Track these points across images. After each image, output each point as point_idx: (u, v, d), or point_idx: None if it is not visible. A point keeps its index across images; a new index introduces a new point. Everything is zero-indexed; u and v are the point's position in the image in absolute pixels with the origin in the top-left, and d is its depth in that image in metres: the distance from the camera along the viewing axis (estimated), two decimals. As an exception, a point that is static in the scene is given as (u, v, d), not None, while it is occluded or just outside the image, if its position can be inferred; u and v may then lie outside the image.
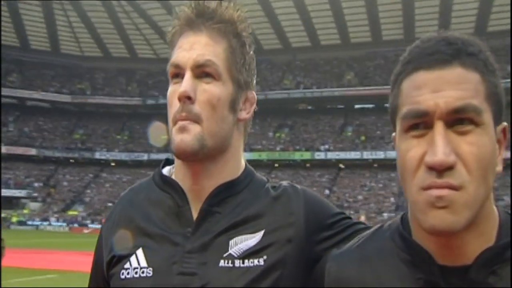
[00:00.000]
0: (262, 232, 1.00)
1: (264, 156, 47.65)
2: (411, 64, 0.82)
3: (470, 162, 0.76)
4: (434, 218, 0.76)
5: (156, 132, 43.16)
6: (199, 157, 0.99)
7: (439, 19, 45.94)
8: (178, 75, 1.00)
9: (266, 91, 50.22)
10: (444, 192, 0.76)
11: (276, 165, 48.55)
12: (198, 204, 1.02)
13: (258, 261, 0.98)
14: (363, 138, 47.48)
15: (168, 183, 1.06)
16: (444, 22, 45.63)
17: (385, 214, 34.78)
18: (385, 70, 49.95)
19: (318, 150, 47.12)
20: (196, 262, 0.96)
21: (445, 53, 0.79)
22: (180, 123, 0.97)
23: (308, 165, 47.82)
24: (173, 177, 1.08)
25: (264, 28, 48.81)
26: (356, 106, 52.04)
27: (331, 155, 46.41)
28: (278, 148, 48.77)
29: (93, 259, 1.14)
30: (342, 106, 52.90)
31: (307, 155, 47.18)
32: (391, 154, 43.89)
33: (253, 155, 46.13)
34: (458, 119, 0.77)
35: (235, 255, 0.97)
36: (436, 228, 0.77)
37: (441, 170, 0.75)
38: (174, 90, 0.99)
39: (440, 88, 0.78)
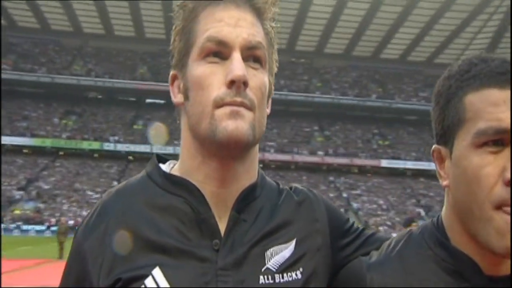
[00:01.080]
0: (294, 241, 0.90)
1: (48, 143, 44.99)
2: (476, 80, 0.85)
3: None
4: (510, 241, 0.78)
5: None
6: (246, 151, 0.88)
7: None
8: (218, 53, 0.85)
9: (53, 74, 47.42)
10: None
11: (61, 153, 46.20)
12: (222, 210, 0.88)
13: (296, 274, 0.89)
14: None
15: (180, 185, 0.89)
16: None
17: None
18: (177, 68, 52.48)
19: (108, 141, 46.67)
20: (233, 280, 0.83)
21: (509, 74, 0.83)
22: (233, 108, 0.83)
23: (96, 155, 46.88)
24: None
25: (53, 7, 45.92)
26: (148, 101, 53.13)
27: (121, 147, 46.56)
28: (64, 136, 46.45)
29: None
30: (134, 99, 53.38)
31: (96, 145, 46.25)
32: (178, 150, 46.65)
33: (35, 141, 43.26)
34: None
35: (274, 269, 0.86)
36: (508, 250, 0.79)
37: None
38: (212, 71, 0.85)
39: None
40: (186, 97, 0.89)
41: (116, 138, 47.15)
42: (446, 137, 0.90)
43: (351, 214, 38.33)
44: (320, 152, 48.92)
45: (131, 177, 0.96)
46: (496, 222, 0.80)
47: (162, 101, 52.29)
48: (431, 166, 49.59)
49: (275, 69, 0.98)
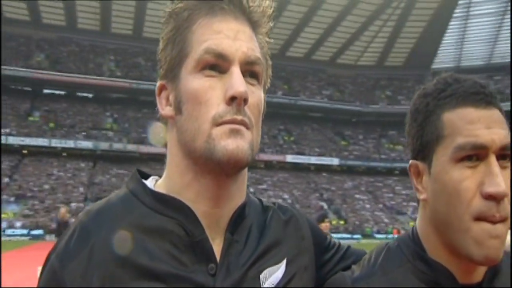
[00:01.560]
0: (285, 261, 0.89)
1: None
2: (453, 99, 0.90)
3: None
4: (489, 249, 0.83)
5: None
6: (242, 170, 0.85)
7: (134, 18, 49.08)
8: (215, 66, 0.81)
9: None
10: (502, 225, 0.84)
11: None
12: (214, 231, 0.84)
13: None
14: (52, 125, 45.89)
15: (172, 205, 0.83)
16: (138, 21, 49.02)
17: (73, 204, 35.15)
18: (79, 57, 49.76)
19: (-2, 133, 42.95)
20: None
21: (486, 94, 0.90)
22: (233, 126, 0.79)
23: (-16, 149, 42.93)
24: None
25: None
26: (46, 91, 49.71)
27: (14, 140, 43.00)
28: None
29: None
30: (29, 89, 49.43)
31: (-17, 138, 42.31)
32: (82, 144, 44.39)
33: None
34: (503, 155, 0.87)
35: None
36: (489, 258, 0.84)
37: (500, 199, 0.83)
38: (211, 85, 0.80)
39: (491, 125, 0.87)
40: (179, 111, 0.83)
41: (8, 130, 43.39)
42: (425, 153, 0.93)
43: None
44: (228, 147, 49.04)
45: (111, 195, 0.89)
46: (475, 232, 0.85)
47: (62, 92, 49.25)
48: (333, 161, 52.30)
49: (268, 85, 0.93)
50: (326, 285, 0.98)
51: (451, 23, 53.66)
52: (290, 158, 50.77)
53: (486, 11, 52.95)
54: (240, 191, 0.88)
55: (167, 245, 0.79)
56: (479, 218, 0.85)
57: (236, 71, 0.81)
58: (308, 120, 57.42)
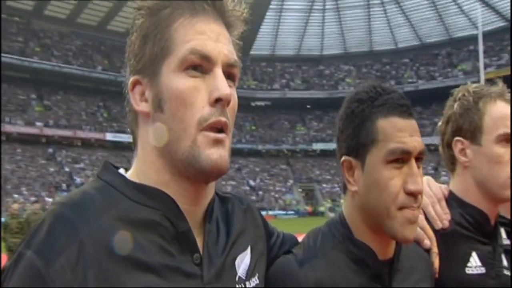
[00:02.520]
0: (249, 248, 0.94)
1: None
2: (384, 109, 1.07)
3: None
4: (409, 231, 1.05)
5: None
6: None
7: None
8: (198, 67, 0.83)
9: None
10: (417, 212, 1.07)
11: None
12: (192, 224, 0.85)
13: (256, 280, 0.93)
14: None
15: (156, 197, 0.83)
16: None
17: None
18: None
19: None
20: None
21: (408, 107, 1.10)
22: (217, 135, 0.82)
23: None
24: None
25: None
26: None
27: None
28: None
29: None
30: None
31: None
32: None
33: None
34: (419, 158, 1.08)
35: (243, 277, 0.90)
36: (407, 238, 1.06)
37: (418, 195, 1.05)
38: (195, 86, 0.82)
39: (413, 134, 1.07)
40: (159, 109, 0.83)
41: None
42: (359, 152, 1.10)
43: (74, 189, 36.50)
44: (38, 123, 44.65)
45: (84, 186, 0.84)
46: (399, 219, 1.05)
47: None
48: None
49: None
50: (273, 269, 1.07)
51: (268, 13, 57.68)
52: (110, 136, 48.57)
53: (296, 6, 58.45)
54: (212, 188, 0.92)
55: (155, 237, 0.79)
56: (402, 208, 1.05)
57: (219, 73, 0.82)
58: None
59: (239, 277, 0.89)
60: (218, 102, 0.81)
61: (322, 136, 59.97)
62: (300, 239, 1.21)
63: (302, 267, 1.06)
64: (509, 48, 54.23)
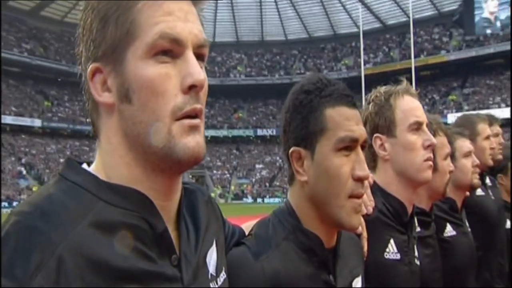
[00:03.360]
0: (214, 242, 0.90)
1: None
2: (332, 99, 1.10)
3: None
4: (355, 220, 1.09)
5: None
6: None
7: None
8: (168, 52, 0.76)
9: None
10: (361, 201, 1.12)
11: None
12: (167, 221, 0.80)
13: (224, 274, 0.91)
14: None
15: (132, 197, 0.76)
16: None
17: None
18: None
19: None
20: None
21: (352, 97, 1.14)
22: (192, 121, 0.76)
23: None
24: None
25: None
26: None
27: None
28: None
29: None
30: None
31: None
32: None
33: None
34: (363, 146, 1.12)
35: (215, 274, 0.87)
36: (354, 226, 1.10)
37: (364, 180, 1.09)
38: (166, 72, 0.75)
39: (358, 123, 1.11)
40: (126, 100, 0.76)
41: None
42: (308, 141, 1.11)
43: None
44: None
45: (47, 190, 0.74)
46: (347, 207, 1.09)
47: None
48: (34, 122, 48.12)
49: None
50: (228, 262, 1.01)
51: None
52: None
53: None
54: (181, 180, 0.86)
55: (135, 241, 0.73)
56: (351, 196, 1.09)
57: (191, 56, 0.76)
58: (4, 75, 50.70)
59: (211, 274, 0.86)
60: (192, 89, 0.75)
61: (213, 123, 60.31)
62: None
63: (258, 259, 1.05)
64: (384, 47, 59.38)
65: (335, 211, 1.09)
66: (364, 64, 53.94)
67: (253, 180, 52.13)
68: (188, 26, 0.77)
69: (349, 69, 58.63)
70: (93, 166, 0.81)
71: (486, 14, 52.03)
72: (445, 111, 46.19)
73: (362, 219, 1.27)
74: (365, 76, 48.65)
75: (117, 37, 0.75)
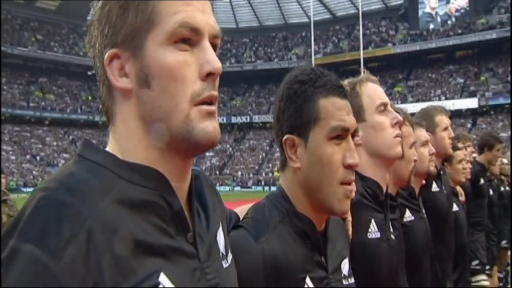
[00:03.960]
0: (221, 224, 0.93)
1: None
2: (325, 89, 1.15)
3: None
4: (346, 205, 1.14)
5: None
6: None
7: None
8: (187, 40, 0.78)
9: None
10: (353, 187, 1.16)
11: None
12: (181, 201, 0.82)
13: (230, 254, 0.93)
14: None
15: (151, 176, 0.78)
16: None
17: None
18: None
19: None
20: (212, 269, 0.83)
21: (343, 88, 1.19)
22: (210, 107, 0.79)
23: None
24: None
25: None
26: None
27: None
28: None
29: None
30: None
31: None
32: None
33: None
34: (353, 135, 1.17)
35: (224, 253, 0.90)
36: (345, 211, 1.16)
37: (354, 168, 1.13)
38: (185, 60, 0.78)
39: (349, 112, 1.16)
40: (146, 85, 0.78)
41: None
42: (302, 130, 1.16)
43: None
44: None
45: (68, 168, 0.76)
46: (339, 194, 1.14)
47: None
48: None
49: None
50: (230, 242, 1.01)
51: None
52: None
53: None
54: (192, 164, 0.88)
55: (155, 218, 0.75)
56: (343, 182, 1.14)
57: (208, 45, 0.80)
58: None
59: (222, 253, 0.89)
60: (209, 76, 0.79)
61: (163, 110, 59.51)
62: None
63: (258, 241, 1.10)
64: (334, 38, 60.54)
65: (327, 198, 1.14)
66: (314, 54, 54.98)
67: (203, 168, 51.99)
68: (205, 17, 0.80)
69: (300, 58, 59.31)
70: (108, 150, 0.82)
71: (428, 9, 54.28)
72: (391, 102, 47.76)
73: None
74: (315, 66, 49.46)
75: (138, 24, 0.77)
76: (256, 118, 56.63)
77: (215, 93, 0.80)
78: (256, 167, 52.59)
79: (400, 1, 57.59)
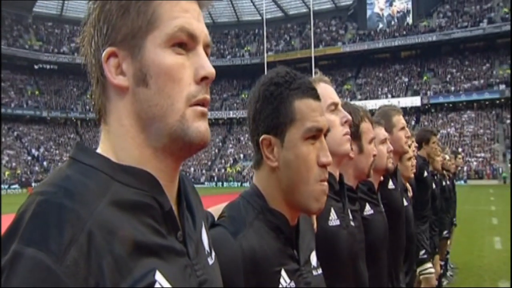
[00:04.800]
0: (203, 222, 0.95)
1: None
2: (300, 91, 1.21)
3: None
4: (322, 204, 1.20)
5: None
6: None
7: None
8: (183, 45, 0.81)
9: None
10: (327, 185, 1.21)
11: None
12: (171, 201, 0.83)
13: (213, 252, 0.95)
14: None
15: (142, 178, 0.79)
16: None
17: None
18: None
19: None
20: (201, 266, 0.84)
21: (316, 90, 1.25)
22: (203, 108, 0.82)
23: None
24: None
25: None
26: None
27: None
28: None
29: None
30: None
31: None
32: None
33: None
34: (325, 134, 1.23)
35: (209, 251, 0.92)
36: (320, 210, 1.21)
37: (327, 166, 1.20)
38: (182, 63, 0.81)
39: (322, 113, 1.23)
40: (143, 83, 0.80)
41: None
42: (278, 130, 1.20)
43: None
44: None
45: (63, 171, 0.77)
46: (316, 192, 1.19)
47: None
48: None
49: None
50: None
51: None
52: None
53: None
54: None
55: (148, 219, 0.77)
56: (319, 181, 1.20)
57: (203, 52, 0.84)
58: None
59: (207, 251, 0.92)
60: (204, 80, 0.83)
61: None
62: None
63: (236, 238, 1.13)
64: (285, 36, 61.45)
65: (304, 196, 1.19)
66: (267, 52, 55.63)
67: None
68: (200, 25, 0.85)
69: (252, 55, 59.80)
70: (99, 149, 0.84)
71: (376, 10, 56.28)
72: (341, 99, 48.97)
73: None
74: (267, 63, 50.15)
75: (138, 24, 0.80)
76: (209, 115, 55.80)
77: (208, 96, 0.84)
78: (209, 163, 52.72)
79: (349, 2, 59.29)
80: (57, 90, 58.46)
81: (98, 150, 0.83)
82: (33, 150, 50.24)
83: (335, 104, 1.76)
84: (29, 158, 49.01)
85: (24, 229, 0.67)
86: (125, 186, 0.77)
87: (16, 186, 43.10)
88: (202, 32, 0.84)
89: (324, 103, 1.66)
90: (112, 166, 0.78)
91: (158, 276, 0.73)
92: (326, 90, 1.75)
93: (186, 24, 0.81)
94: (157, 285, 0.73)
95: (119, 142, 0.82)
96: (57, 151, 51.65)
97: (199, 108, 0.82)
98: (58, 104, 56.65)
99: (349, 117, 1.77)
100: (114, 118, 0.83)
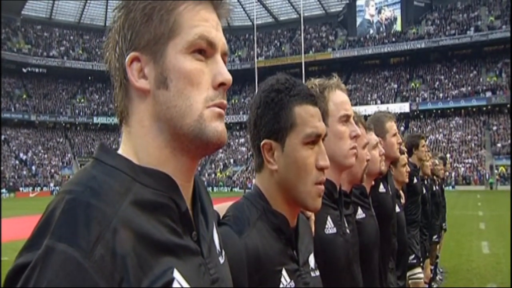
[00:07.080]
0: (214, 223, 0.98)
1: None
2: (299, 98, 1.26)
3: None
4: (319, 203, 1.26)
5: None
6: None
7: None
8: (203, 52, 0.85)
9: None
10: (323, 187, 1.27)
11: None
12: (186, 201, 0.87)
13: (223, 252, 0.98)
14: None
15: (162, 180, 0.83)
16: None
17: None
18: None
19: None
20: (213, 265, 0.88)
21: (315, 96, 1.31)
22: (221, 110, 0.85)
23: None
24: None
25: None
26: None
27: None
28: None
29: None
30: None
31: None
32: None
33: None
34: (323, 139, 1.29)
35: (220, 250, 0.95)
36: (317, 208, 1.27)
37: (325, 169, 1.26)
38: (201, 68, 0.85)
39: (320, 119, 1.28)
40: (164, 86, 0.84)
41: None
42: (279, 135, 1.26)
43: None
44: None
45: (89, 172, 0.81)
46: (313, 193, 1.26)
47: None
48: None
49: None
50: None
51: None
52: None
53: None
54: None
55: (166, 219, 0.81)
56: (316, 183, 1.26)
57: (221, 59, 0.88)
58: None
59: (219, 250, 0.95)
60: (221, 86, 0.86)
61: (104, 110, 58.09)
62: None
63: (241, 237, 1.17)
64: (276, 41, 61.73)
65: (302, 196, 1.26)
66: (257, 57, 55.81)
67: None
68: (219, 34, 0.88)
69: (242, 61, 59.96)
70: (120, 150, 0.87)
71: (367, 16, 56.83)
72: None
73: None
74: (258, 68, 50.30)
75: (161, 31, 0.84)
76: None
77: (225, 101, 0.87)
78: (199, 168, 52.42)
79: (340, 8, 59.80)
80: (46, 94, 58.04)
81: (120, 151, 0.86)
82: (21, 154, 49.79)
83: (348, 116, 1.77)
84: (17, 162, 48.52)
85: (55, 225, 0.70)
86: (145, 187, 0.80)
87: (4, 190, 42.53)
88: (221, 40, 0.88)
89: (337, 112, 1.73)
90: (133, 168, 0.82)
91: (176, 274, 0.77)
92: (342, 99, 1.77)
93: (206, 32, 0.85)
94: (175, 282, 0.76)
95: (140, 142, 0.86)
96: (46, 156, 51.20)
97: (217, 109, 0.85)
98: (47, 108, 56.27)
99: (359, 132, 1.79)
100: (135, 119, 0.86)
